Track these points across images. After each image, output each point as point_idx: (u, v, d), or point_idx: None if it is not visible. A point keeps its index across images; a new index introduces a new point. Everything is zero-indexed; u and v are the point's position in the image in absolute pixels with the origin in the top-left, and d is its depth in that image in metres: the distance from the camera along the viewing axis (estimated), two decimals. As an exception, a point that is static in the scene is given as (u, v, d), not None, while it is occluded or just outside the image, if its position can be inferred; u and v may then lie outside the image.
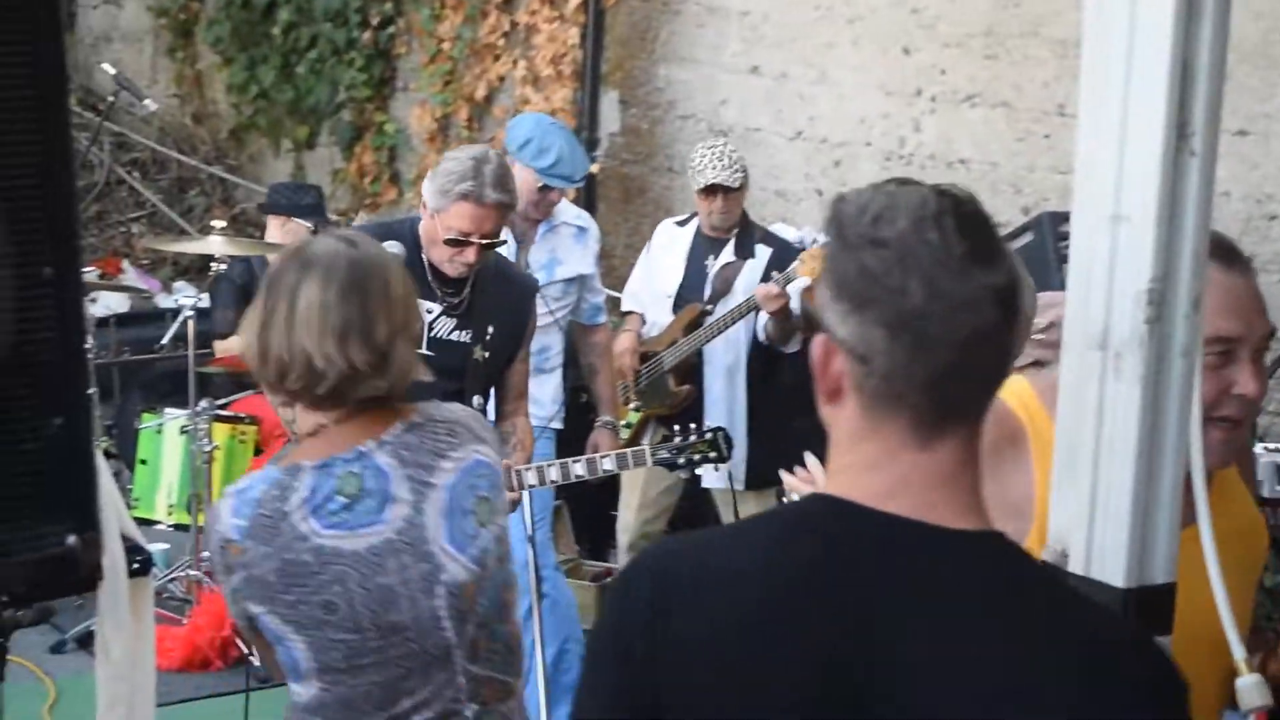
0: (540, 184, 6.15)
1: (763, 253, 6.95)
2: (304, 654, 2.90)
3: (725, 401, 6.87)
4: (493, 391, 5.12)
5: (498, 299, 5.03)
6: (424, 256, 4.86)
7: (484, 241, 4.80)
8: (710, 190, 6.86)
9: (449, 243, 4.76)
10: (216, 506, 2.93)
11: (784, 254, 6.81)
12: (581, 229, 6.50)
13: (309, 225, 7.91)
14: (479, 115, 10.42)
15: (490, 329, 4.98)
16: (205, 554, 7.20)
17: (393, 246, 4.51)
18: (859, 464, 1.85)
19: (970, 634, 1.78)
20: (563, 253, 6.36)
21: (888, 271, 1.78)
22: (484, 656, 3.02)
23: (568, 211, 6.54)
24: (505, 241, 5.13)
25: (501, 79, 10.29)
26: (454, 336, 4.96)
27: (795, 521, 1.90)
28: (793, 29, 9.03)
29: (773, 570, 1.82)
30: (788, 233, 7.34)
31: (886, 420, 1.83)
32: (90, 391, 1.76)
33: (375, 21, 11.17)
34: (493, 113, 10.38)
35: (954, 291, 1.78)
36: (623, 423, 6.80)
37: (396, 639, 2.89)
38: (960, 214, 1.82)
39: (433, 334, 4.86)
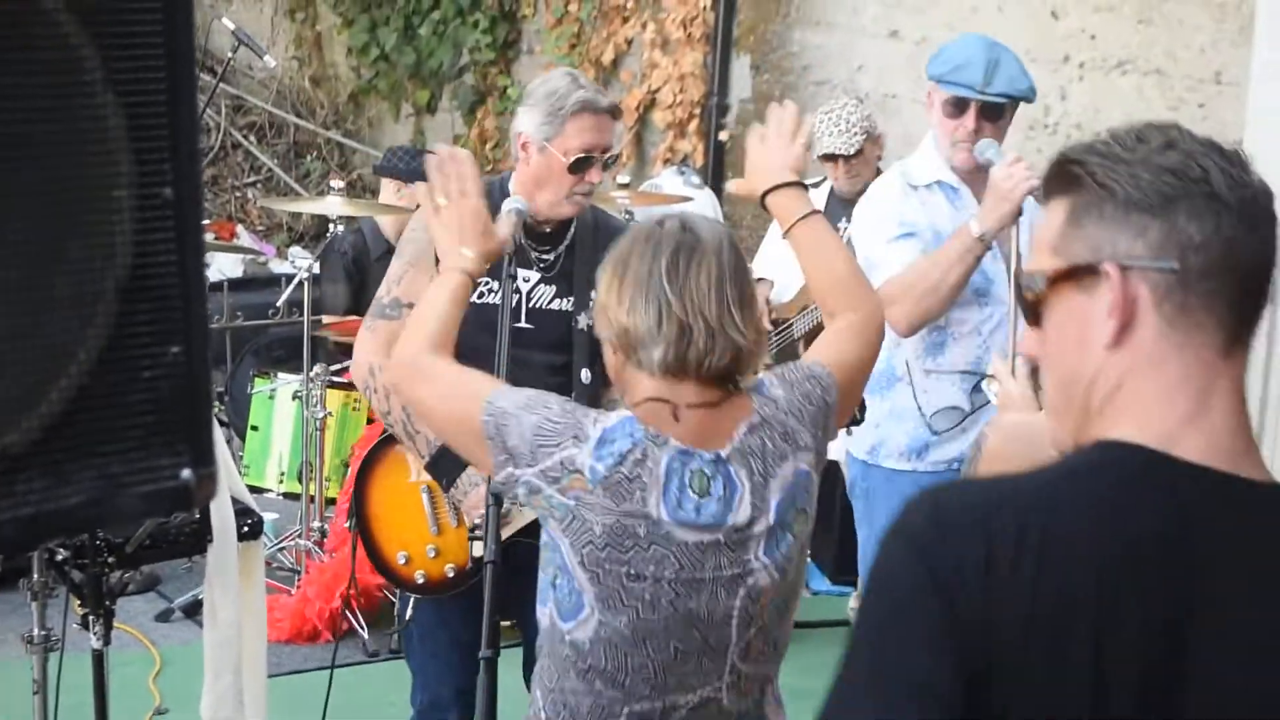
0: (945, 97, 4.87)
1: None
2: (589, 602, 2.99)
3: None
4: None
5: (596, 256, 4.56)
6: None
7: (605, 158, 4.36)
8: (829, 158, 6.63)
9: (575, 167, 4.27)
10: (584, 427, 3.00)
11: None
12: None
13: (425, 194, 7.73)
14: (606, 79, 10.20)
15: (592, 294, 4.51)
16: (315, 524, 7.11)
17: (516, 203, 4.19)
18: (1156, 392, 1.79)
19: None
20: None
21: (1186, 166, 1.77)
22: (754, 657, 3.10)
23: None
24: (618, 156, 4.56)
25: (629, 42, 10.10)
26: (554, 305, 4.46)
27: (1115, 480, 1.78)
28: (934, -8, 8.74)
29: (1106, 539, 1.73)
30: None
31: (1195, 331, 1.79)
32: (209, 322, 1.59)
33: (500, -18, 11.00)
34: (619, 77, 10.19)
35: (1248, 180, 1.79)
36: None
37: (685, 628, 2.99)
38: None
39: (531, 304, 4.41)
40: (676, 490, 2.96)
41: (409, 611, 4.56)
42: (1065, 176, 1.86)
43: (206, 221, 10.81)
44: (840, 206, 6.69)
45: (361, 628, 6.59)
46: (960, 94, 4.79)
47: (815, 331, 6.44)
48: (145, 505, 1.63)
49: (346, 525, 4.68)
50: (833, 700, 1.74)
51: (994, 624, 1.68)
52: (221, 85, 10.05)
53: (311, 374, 7.17)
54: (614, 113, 4.42)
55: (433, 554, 4.45)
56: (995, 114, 4.83)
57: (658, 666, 3.00)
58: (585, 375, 4.46)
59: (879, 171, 6.77)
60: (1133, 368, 1.79)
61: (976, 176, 4.91)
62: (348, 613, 6.62)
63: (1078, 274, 1.83)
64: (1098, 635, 1.69)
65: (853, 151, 6.67)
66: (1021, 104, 4.93)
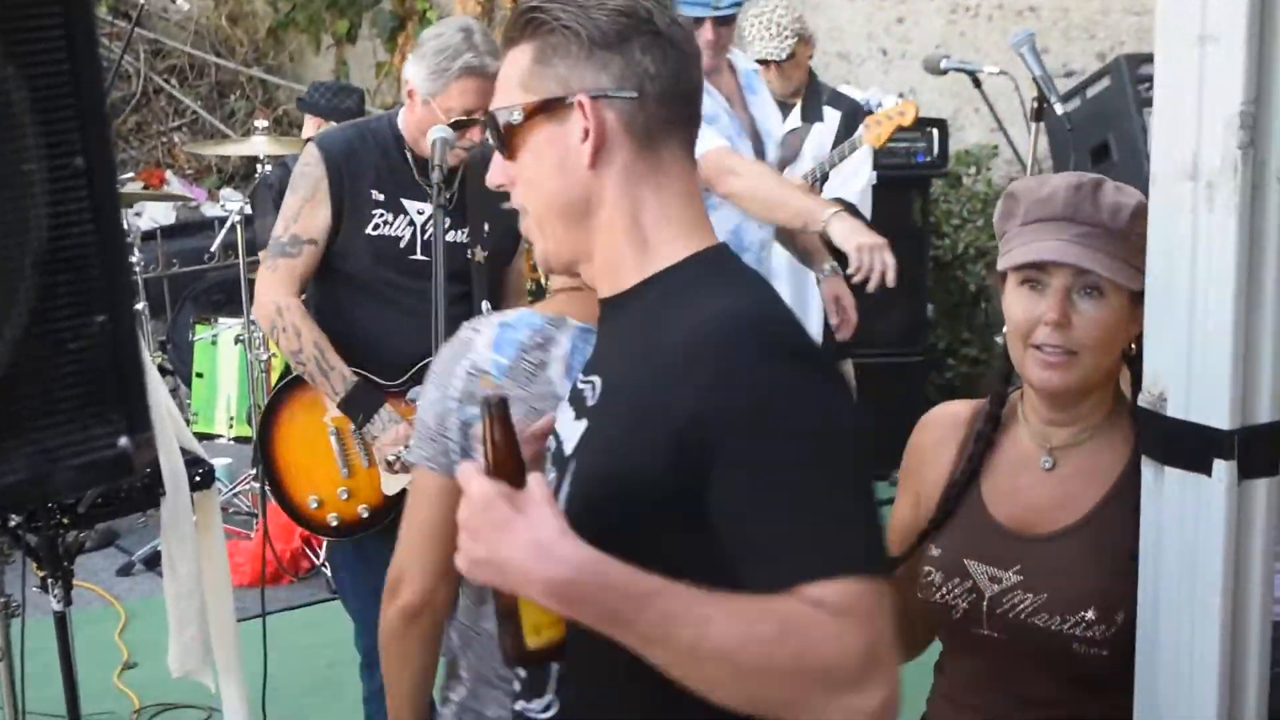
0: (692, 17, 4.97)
1: (831, 116, 6.69)
2: None
3: (791, 287, 6.25)
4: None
5: (491, 190, 4.52)
6: (408, 153, 4.41)
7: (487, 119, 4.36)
8: (760, 63, 6.58)
9: (454, 126, 4.27)
10: (468, 336, 2.92)
11: (854, 117, 6.53)
12: (752, 70, 5.40)
13: (347, 130, 7.69)
14: (524, -3, 10.12)
15: (486, 225, 4.50)
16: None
17: (439, 131, 4.18)
18: (647, 197, 2.08)
19: None
20: (773, 114, 5.46)
21: (633, 8, 2.05)
22: None
23: (740, 59, 5.38)
24: None
25: (550, -45, 9.97)
26: (450, 237, 4.41)
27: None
28: (846, -118, 8.70)
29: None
30: (854, 96, 7.06)
31: (664, 149, 2.08)
32: (134, 286, 1.56)
33: (414, -97, 10.89)
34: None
35: (676, 17, 2.09)
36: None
37: None
38: None
39: (426, 237, 4.39)
40: (579, 364, 2.87)
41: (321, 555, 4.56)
42: (529, 23, 2.11)
43: (131, 175, 10.69)
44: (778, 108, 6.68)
45: (324, 566, 6.59)
46: (697, 13, 4.94)
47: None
48: (84, 477, 1.62)
49: (253, 474, 4.63)
50: None
51: None
52: (137, 30, 9.92)
53: (252, 317, 7.11)
54: None
55: (345, 496, 4.46)
56: (727, 21, 5.02)
57: None
58: (485, 306, 4.44)
59: (811, 72, 6.79)
60: (624, 182, 2.07)
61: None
62: (308, 551, 6.64)
63: (550, 106, 2.09)
64: None
65: (784, 56, 6.65)
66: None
